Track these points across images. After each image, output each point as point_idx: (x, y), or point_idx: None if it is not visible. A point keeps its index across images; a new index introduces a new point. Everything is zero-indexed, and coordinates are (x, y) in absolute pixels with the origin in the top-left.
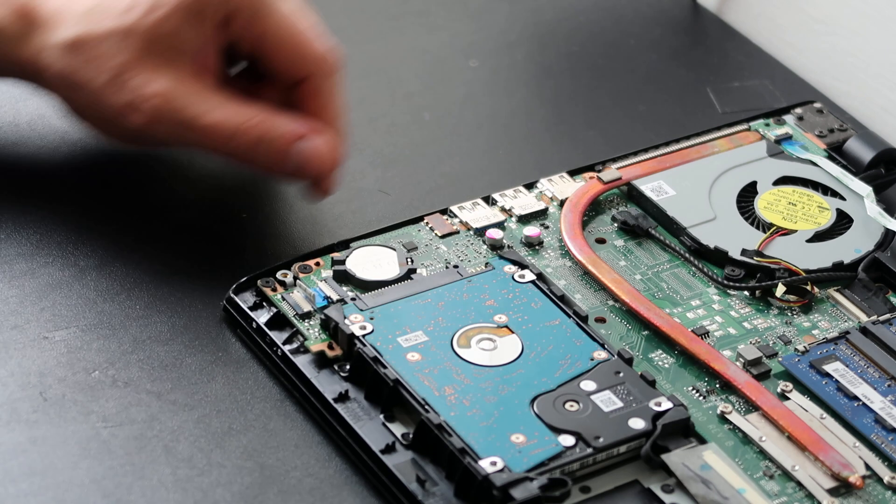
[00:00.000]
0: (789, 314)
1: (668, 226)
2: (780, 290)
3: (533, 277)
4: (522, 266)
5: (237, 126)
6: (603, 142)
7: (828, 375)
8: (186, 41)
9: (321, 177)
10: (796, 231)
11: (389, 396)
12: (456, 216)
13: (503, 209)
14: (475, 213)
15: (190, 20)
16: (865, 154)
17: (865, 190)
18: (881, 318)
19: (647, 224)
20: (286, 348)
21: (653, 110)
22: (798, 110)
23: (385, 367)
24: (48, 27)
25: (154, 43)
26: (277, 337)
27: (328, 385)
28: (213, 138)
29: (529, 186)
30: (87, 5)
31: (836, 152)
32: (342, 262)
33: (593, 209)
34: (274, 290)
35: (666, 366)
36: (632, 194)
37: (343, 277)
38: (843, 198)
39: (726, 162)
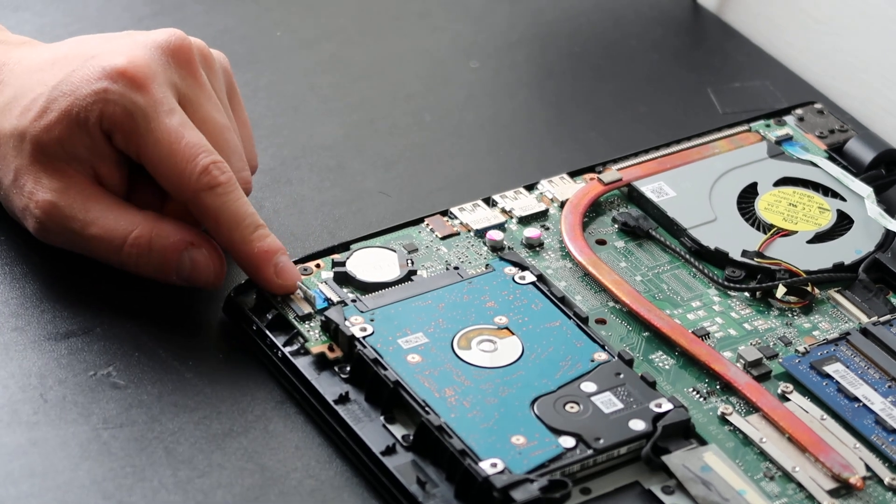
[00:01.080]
0: (790, 315)
1: (668, 227)
2: (781, 291)
3: (533, 279)
4: (523, 267)
5: (124, 236)
6: (603, 143)
7: (828, 376)
8: (76, 148)
9: (207, 286)
10: (797, 232)
11: (390, 398)
12: (456, 218)
13: (504, 210)
14: (476, 215)
15: (76, 129)
16: (866, 155)
17: (866, 191)
18: (882, 319)
19: (647, 225)
20: (287, 350)
21: (653, 111)
22: (799, 111)
23: (385, 368)
24: None
25: (45, 148)
26: (278, 339)
27: (328, 387)
28: (104, 247)
29: (530, 188)
30: (5, 99)
31: (837, 153)
32: (342, 264)
33: (594, 210)
34: None
35: (666, 367)
36: (632, 195)
37: (343, 279)
38: (843, 199)
39: (727, 163)
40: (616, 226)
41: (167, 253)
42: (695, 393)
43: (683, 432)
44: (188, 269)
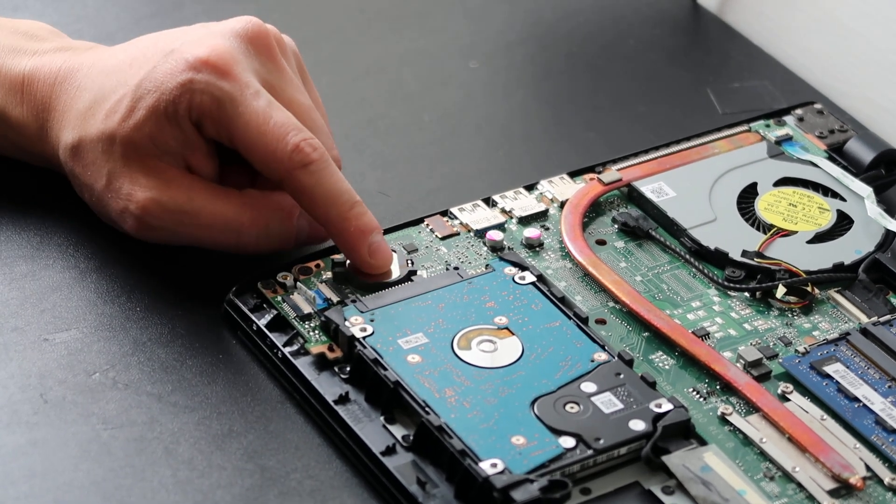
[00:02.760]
0: (790, 315)
1: (668, 227)
2: (781, 291)
3: (533, 279)
4: (523, 268)
5: (239, 219)
6: (603, 143)
7: (828, 377)
8: (168, 143)
9: (322, 241)
10: (797, 232)
11: (390, 398)
12: (456, 218)
13: (503, 211)
14: (475, 215)
15: (166, 124)
16: (866, 155)
17: (866, 191)
18: (881, 319)
19: (647, 225)
20: (286, 350)
21: (653, 111)
22: (798, 111)
23: (385, 368)
24: (60, 125)
25: (136, 147)
26: (278, 339)
27: (328, 387)
28: (219, 234)
29: (530, 188)
30: (85, 105)
31: (837, 153)
32: (342, 264)
33: (594, 211)
34: (274, 292)
35: (666, 367)
36: (632, 196)
37: (343, 279)
38: (843, 199)
39: (727, 163)
40: (616, 226)
41: (286, 224)
42: (695, 393)
43: (683, 432)
44: (306, 231)
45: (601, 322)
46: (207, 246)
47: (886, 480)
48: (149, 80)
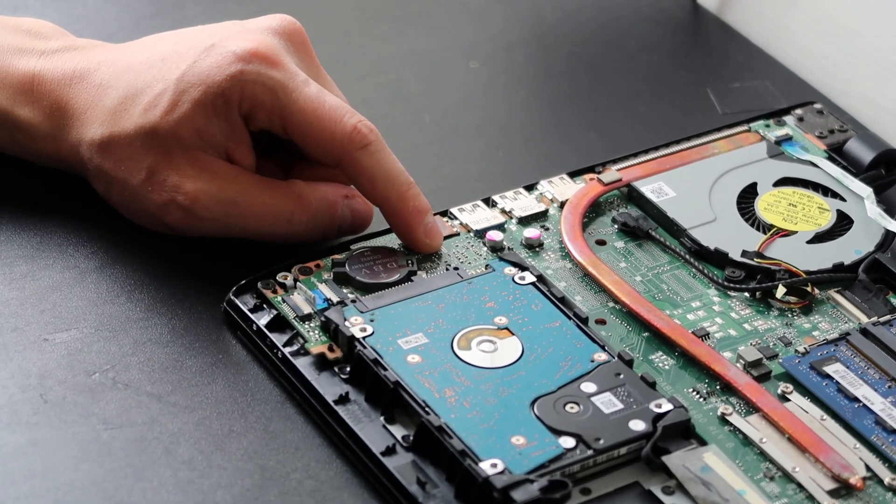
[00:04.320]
0: (790, 315)
1: (668, 227)
2: (781, 291)
3: (533, 279)
4: (523, 268)
5: (289, 209)
6: (603, 143)
7: (828, 377)
8: (214, 135)
9: (363, 229)
10: (796, 232)
11: (390, 398)
12: (456, 218)
13: (503, 211)
14: (475, 215)
15: (214, 116)
16: (866, 155)
17: (866, 191)
18: (881, 319)
19: (647, 225)
20: (286, 350)
21: (653, 111)
22: (798, 111)
23: (385, 369)
24: (81, 123)
25: (181, 140)
26: (278, 339)
27: (328, 387)
28: (269, 225)
29: (529, 188)
30: (114, 101)
31: (837, 153)
32: (342, 264)
33: (593, 211)
34: (274, 292)
35: (666, 367)
36: (632, 196)
37: (343, 279)
38: (843, 199)
39: (726, 163)
40: (616, 226)
41: (332, 211)
42: (695, 393)
43: (683, 433)
44: (349, 220)
45: (601, 322)
46: (252, 236)
47: (886, 481)
48: (192, 73)
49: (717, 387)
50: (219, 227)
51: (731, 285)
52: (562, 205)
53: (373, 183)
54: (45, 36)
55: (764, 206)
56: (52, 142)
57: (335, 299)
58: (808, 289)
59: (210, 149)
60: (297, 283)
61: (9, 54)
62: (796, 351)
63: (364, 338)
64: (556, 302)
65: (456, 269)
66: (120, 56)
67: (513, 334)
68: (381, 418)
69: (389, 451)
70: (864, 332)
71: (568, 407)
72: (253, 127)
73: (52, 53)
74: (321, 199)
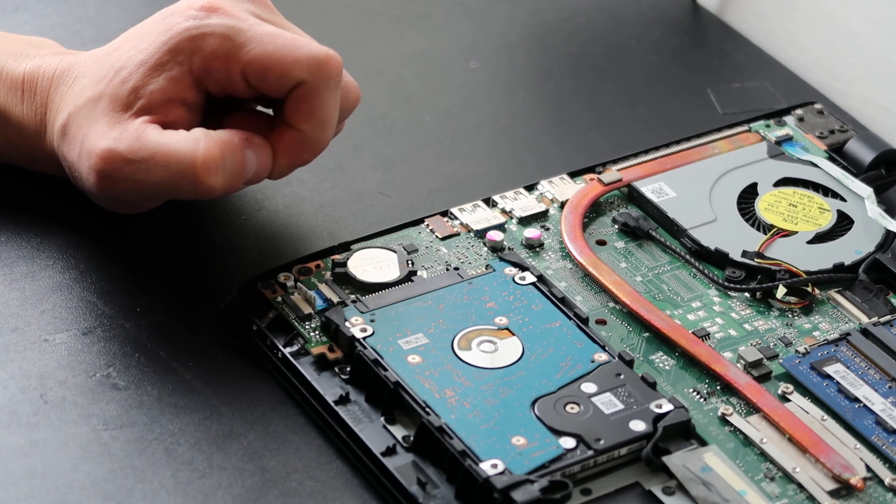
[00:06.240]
0: (790, 316)
1: (668, 227)
2: (781, 291)
3: (533, 279)
4: (523, 268)
5: (192, 153)
6: (603, 143)
7: (828, 377)
8: (153, 94)
9: (265, 178)
10: (797, 232)
11: (390, 399)
12: (456, 218)
13: (504, 211)
14: (476, 215)
15: (156, 73)
16: (866, 155)
17: (866, 191)
18: (882, 319)
19: (647, 226)
20: (287, 351)
21: (653, 111)
22: (798, 111)
23: (386, 369)
24: (53, 118)
25: (113, 104)
26: (278, 339)
27: (329, 387)
28: (175, 173)
29: (530, 188)
30: (79, 86)
31: (837, 153)
32: (343, 265)
33: (594, 211)
34: (274, 292)
35: (667, 368)
36: (632, 196)
37: (343, 280)
38: (843, 199)
39: (727, 163)
40: (616, 226)
41: (237, 155)
42: (695, 394)
43: (684, 433)
44: (253, 166)
45: (601, 322)
46: (168, 194)
47: (887, 481)
48: (142, 42)
49: (718, 387)
50: (132, 187)
51: (732, 285)
52: (562, 205)
53: (314, 118)
54: (43, 45)
55: (764, 207)
56: (38, 139)
57: (335, 299)
58: (809, 289)
59: (141, 111)
60: (298, 283)
61: (7, 58)
62: (797, 351)
63: (364, 338)
64: (557, 302)
65: (456, 269)
66: (96, 52)
67: (513, 334)
68: (382, 419)
69: (390, 452)
70: (865, 332)
71: (568, 407)
72: (213, 87)
73: (44, 56)
74: (226, 141)
